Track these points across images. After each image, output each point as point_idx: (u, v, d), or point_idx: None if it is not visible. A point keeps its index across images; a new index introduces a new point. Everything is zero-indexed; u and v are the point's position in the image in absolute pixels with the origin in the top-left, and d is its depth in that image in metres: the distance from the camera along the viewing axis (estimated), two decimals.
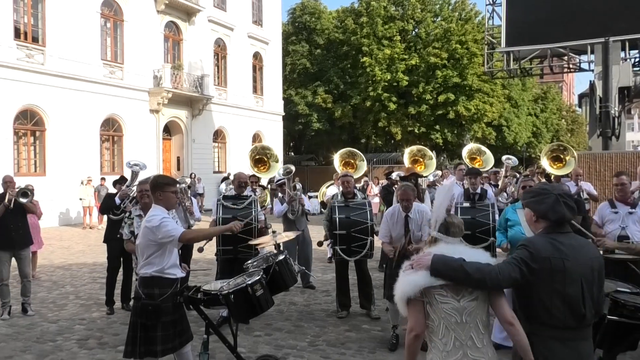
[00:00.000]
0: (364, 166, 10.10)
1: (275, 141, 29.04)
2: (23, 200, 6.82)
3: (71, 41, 19.20)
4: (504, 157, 10.26)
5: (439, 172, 12.23)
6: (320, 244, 6.84)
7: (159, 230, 3.85)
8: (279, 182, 8.55)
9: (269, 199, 11.06)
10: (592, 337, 2.72)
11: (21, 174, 17.12)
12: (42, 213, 7.30)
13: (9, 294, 6.91)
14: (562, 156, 10.62)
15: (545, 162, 10.68)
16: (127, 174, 7.73)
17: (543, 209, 2.67)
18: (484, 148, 11.38)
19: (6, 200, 6.73)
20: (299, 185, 8.74)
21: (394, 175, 10.53)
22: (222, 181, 17.81)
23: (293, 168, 8.45)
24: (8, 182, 6.95)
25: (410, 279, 2.54)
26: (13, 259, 7.00)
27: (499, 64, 21.64)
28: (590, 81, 18.07)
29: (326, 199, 9.97)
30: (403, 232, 5.57)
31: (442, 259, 2.52)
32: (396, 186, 9.58)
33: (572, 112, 61.06)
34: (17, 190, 6.87)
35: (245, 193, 6.75)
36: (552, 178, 11.10)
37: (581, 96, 62.58)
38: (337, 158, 10.37)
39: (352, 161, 10.38)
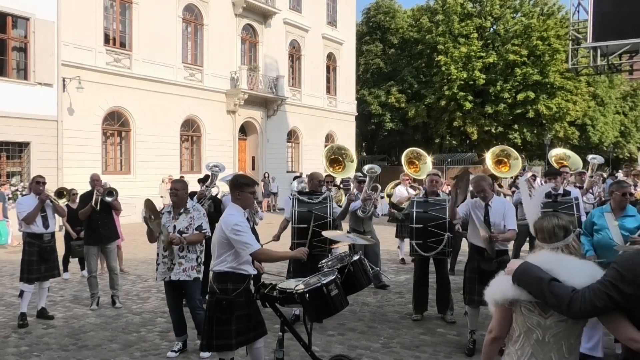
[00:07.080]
0: (426, 168, 9.72)
1: (348, 141, 29.06)
2: (109, 199, 7.27)
3: (155, 45, 20.14)
4: (589, 156, 9.79)
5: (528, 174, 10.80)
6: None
7: (235, 238, 3.94)
8: (360, 178, 8.52)
9: (344, 198, 10.96)
10: None
11: (108, 172, 18.19)
12: (122, 209, 7.74)
13: (97, 286, 7.36)
14: None
15: None
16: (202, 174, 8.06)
17: None
18: (569, 152, 10.86)
19: (92, 201, 7.21)
20: (378, 187, 8.64)
21: None
22: (294, 179, 17.98)
23: (379, 170, 8.31)
24: (95, 180, 7.45)
25: (501, 285, 2.37)
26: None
27: (584, 60, 20.52)
28: None
29: (394, 199, 9.75)
30: (483, 219, 5.38)
31: (526, 268, 2.28)
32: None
33: None
34: (103, 189, 7.29)
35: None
36: None
37: None
38: (403, 157, 10.20)
39: (417, 162, 10.10)
